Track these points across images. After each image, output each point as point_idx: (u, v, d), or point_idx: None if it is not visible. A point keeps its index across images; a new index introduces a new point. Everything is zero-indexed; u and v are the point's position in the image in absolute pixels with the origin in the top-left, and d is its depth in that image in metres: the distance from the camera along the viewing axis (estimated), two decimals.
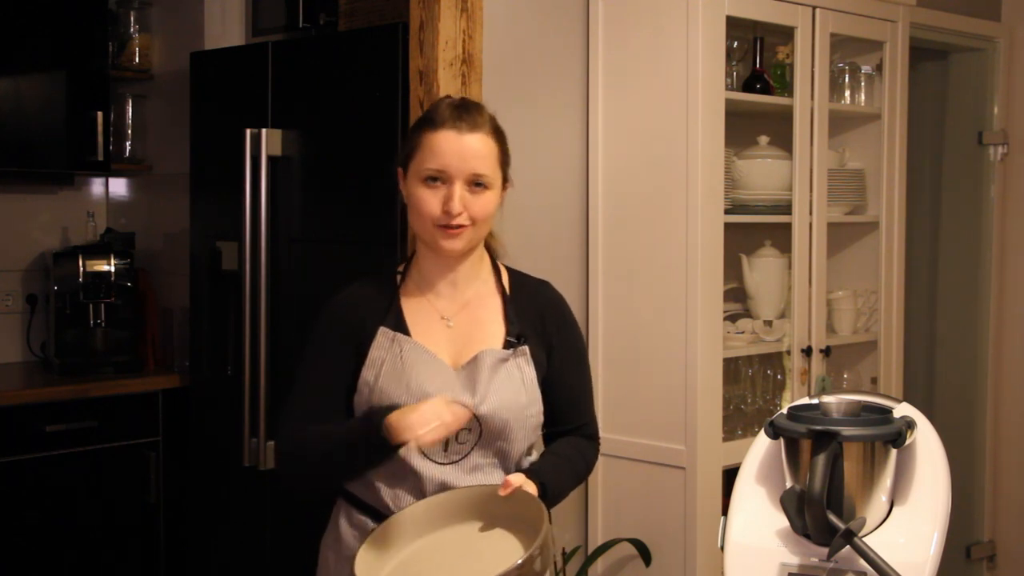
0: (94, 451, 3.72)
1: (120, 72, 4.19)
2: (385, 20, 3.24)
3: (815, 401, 1.76)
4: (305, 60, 3.35)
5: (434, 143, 2.02)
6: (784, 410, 1.73)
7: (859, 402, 1.73)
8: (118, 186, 4.43)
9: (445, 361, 2.04)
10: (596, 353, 3.20)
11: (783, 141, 3.35)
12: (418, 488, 2.00)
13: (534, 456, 2.13)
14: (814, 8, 3.31)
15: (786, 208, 3.33)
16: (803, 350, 3.33)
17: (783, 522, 1.65)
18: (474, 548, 1.90)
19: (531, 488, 1.95)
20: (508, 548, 1.86)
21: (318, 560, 2.16)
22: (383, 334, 2.05)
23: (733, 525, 1.71)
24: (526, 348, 2.07)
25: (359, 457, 1.97)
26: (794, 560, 1.64)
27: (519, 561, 1.73)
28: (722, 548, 1.70)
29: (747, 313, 3.43)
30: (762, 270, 3.40)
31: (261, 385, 3.33)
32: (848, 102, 3.62)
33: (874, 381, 3.62)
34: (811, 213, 3.35)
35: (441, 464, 2.01)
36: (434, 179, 2.01)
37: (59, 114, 3.94)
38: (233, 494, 3.56)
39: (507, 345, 2.06)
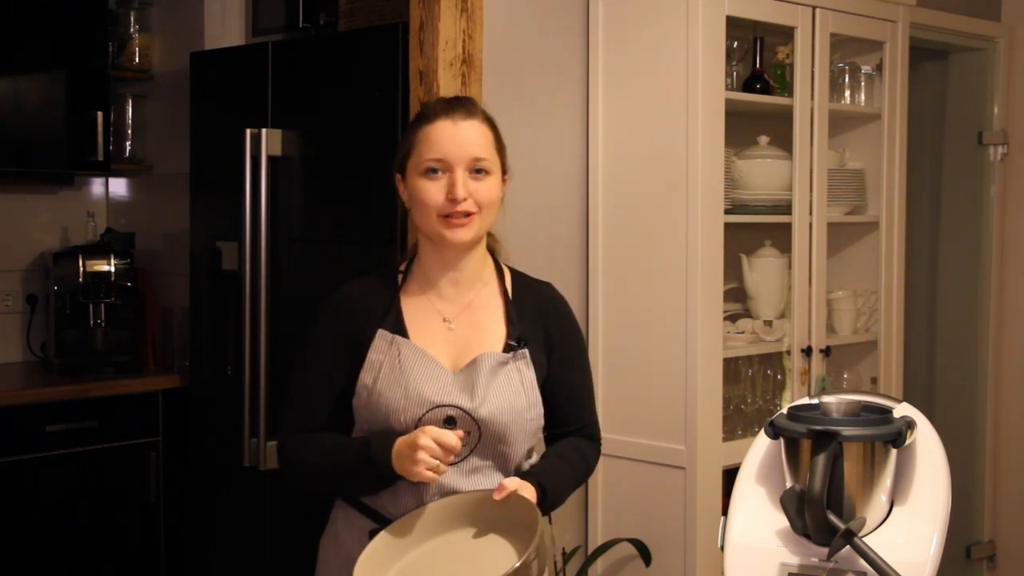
0: (94, 451, 3.72)
1: (120, 72, 4.19)
2: (385, 20, 3.24)
3: (815, 401, 1.75)
4: (305, 60, 3.35)
5: (431, 135, 2.02)
6: (784, 410, 1.72)
7: (859, 402, 1.73)
8: (118, 186, 4.42)
9: (444, 364, 2.02)
10: (596, 353, 3.20)
11: (783, 141, 3.35)
12: (416, 489, 1.99)
13: (534, 459, 2.12)
14: (814, 8, 3.31)
15: (786, 208, 3.33)
16: (803, 350, 3.33)
17: (783, 522, 1.65)
18: (468, 555, 1.89)
19: (528, 491, 1.94)
20: (502, 554, 1.85)
21: (317, 560, 2.16)
22: (381, 336, 2.03)
23: (733, 525, 1.71)
24: (526, 351, 2.06)
25: (360, 485, 2.03)
26: (794, 560, 1.64)
27: (515, 566, 1.72)
28: (722, 548, 1.70)
29: (747, 313, 3.43)
30: (762, 270, 3.40)
31: (261, 385, 3.33)
32: (848, 102, 3.62)
33: (874, 381, 3.62)
34: (811, 213, 3.35)
35: None
36: (434, 170, 2.01)
37: (59, 114, 3.93)
38: (233, 494, 3.56)
39: (507, 348, 2.05)
